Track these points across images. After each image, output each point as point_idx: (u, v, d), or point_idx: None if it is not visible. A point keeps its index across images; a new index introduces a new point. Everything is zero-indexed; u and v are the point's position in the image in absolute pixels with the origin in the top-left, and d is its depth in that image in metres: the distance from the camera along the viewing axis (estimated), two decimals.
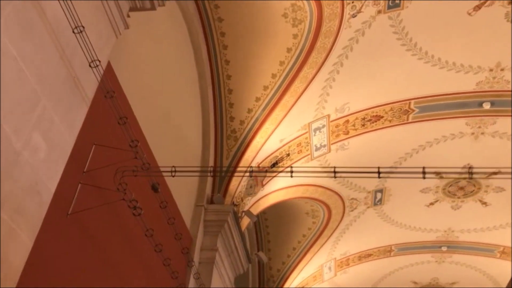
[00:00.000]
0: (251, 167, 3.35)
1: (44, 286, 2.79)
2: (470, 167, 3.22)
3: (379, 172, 3.03)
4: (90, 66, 2.72)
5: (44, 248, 2.82)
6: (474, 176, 3.02)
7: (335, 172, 3.11)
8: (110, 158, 3.33)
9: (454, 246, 11.00)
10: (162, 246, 3.64)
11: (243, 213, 6.88)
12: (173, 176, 3.02)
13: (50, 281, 2.85)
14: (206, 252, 6.01)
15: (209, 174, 2.85)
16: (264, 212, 9.98)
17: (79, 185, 3.20)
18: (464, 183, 9.24)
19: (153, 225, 3.58)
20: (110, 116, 3.33)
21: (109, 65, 3.56)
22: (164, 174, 3.32)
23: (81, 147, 3.27)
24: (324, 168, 7.43)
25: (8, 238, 2.19)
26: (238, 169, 5.84)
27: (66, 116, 2.67)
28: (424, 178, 3.08)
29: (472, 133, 8.16)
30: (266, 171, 6.23)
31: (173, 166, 3.05)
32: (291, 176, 3.32)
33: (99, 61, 2.74)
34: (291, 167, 3.27)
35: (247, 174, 5.10)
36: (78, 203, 3.14)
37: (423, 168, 3.20)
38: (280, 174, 7.76)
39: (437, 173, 3.13)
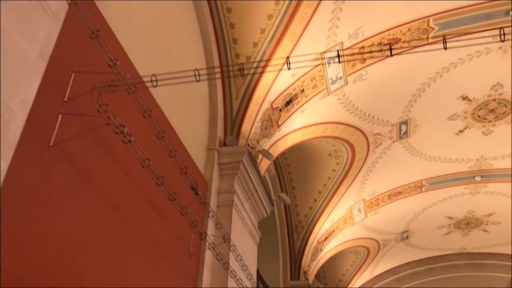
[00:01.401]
0: (239, 64, 2.87)
1: (28, 224, 2.52)
2: (501, 27, 2.72)
3: None
4: None
5: (25, 183, 2.55)
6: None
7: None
8: (92, 84, 2.99)
9: (488, 175, 10.48)
10: (164, 179, 3.34)
11: (259, 153, 6.54)
12: (155, 86, 2.67)
13: (37, 218, 2.58)
14: (223, 195, 5.75)
15: (196, 79, 2.48)
16: (285, 157, 9.67)
17: (60, 115, 2.89)
18: (495, 105, 8.65)
19: (151, 157, 3.27)
20: (87, 39, 2.97)
21: None
22: (145, 85, 2.97)
23: (59, 75, 2.96)
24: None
25: None
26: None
27: (23, 27, 2.33)
28: None
29: (500, 47, 7.51)
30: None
31: (153, 75, 2.69)
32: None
33: None
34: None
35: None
36: (60, 134, 2.84)
37: None
38: (296, 112, 7.37)
39: None
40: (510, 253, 13.15)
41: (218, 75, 5.69)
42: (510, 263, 13.12)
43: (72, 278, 2.84)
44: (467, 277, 13.93)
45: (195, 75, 2.59)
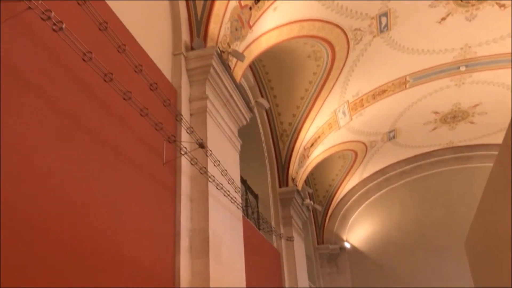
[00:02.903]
0: None
1: None
2: None
3: None
4: None
5: None
6: None
7: None
8: None
9: (473, 64, 10.19)
10: (113, 75, 2.98)
11: (231, 57, 6.13)
12: None
13: None
14: (195, 102, 5.41)
15: None
16: (263, 65, 9.26)
17: None
18: None
19: (94, 50, 2.87)
20: None
21: None
22: None
23: None
24: None
25: None
26: None
27: None
28: None
29: None
30: None
31: None
32: None
33: None
34: None
35: None
36: None
37: None
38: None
39: None
40: (496, 142, 13.20)
41: None
42: (496, 153, 13.18)
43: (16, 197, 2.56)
44: (455, 170, 14.12)
45: None
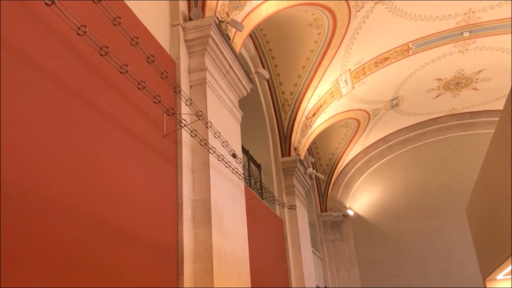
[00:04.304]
0: None
1: None
2: None
3: None
4: None
5: None
6: None
7: None
8: None
9: (476, 29, 10.04)
10: (109, 48, 2.97)
11: (230, 27, 6.07)
12: None
13: None
14: (194, 74, 5.40)
15: None
16: (264, 34, 9.17)
17: None
18: None
19: (88, 24, 2.86)
20: None
21: None
22: None
23: None
24: None
25: None
26: None
27: None
28: None
29: None
30: None
31: None
32: None
33: None
34: None
35: None
36: None
37: None
38: None
39: None
40: (499, 108, 13.13)
41: None
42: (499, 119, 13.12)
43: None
44: (458, 137, 14.11)
45: None
